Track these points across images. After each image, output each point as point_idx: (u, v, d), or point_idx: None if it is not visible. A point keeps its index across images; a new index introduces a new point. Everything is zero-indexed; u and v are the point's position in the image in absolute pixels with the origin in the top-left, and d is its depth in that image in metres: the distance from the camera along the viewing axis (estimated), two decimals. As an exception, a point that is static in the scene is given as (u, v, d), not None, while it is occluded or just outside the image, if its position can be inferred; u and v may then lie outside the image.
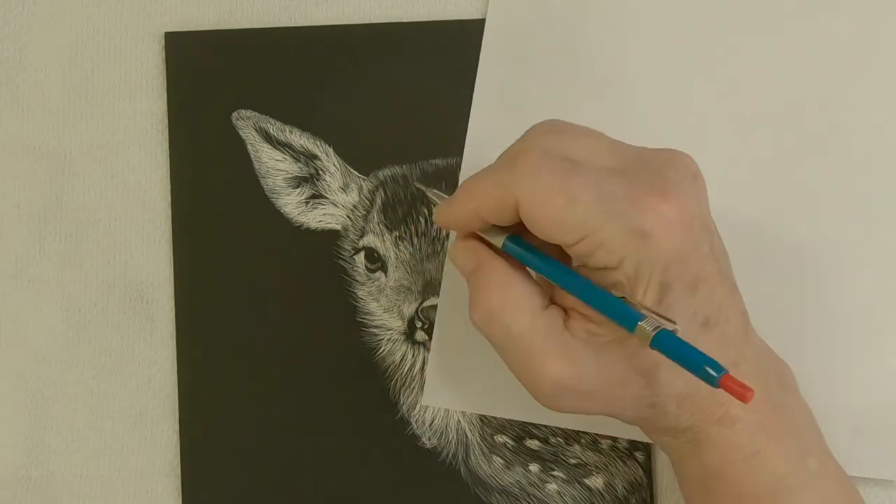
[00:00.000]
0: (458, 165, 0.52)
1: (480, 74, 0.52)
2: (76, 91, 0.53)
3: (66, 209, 0.52)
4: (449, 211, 0.43)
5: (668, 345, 0.37)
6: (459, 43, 0.52)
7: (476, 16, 0.53)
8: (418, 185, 0.51)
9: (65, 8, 0.53)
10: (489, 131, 0.52)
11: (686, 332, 0.39)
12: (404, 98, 0.52)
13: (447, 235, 0.51)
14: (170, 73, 0.52)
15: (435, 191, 0.48)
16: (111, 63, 0.53)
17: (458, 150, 0.52)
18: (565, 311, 0.42)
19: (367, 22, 0.53)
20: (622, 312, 0.39)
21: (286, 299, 0.51)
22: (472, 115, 0.52)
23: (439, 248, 0.51)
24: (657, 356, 0.39)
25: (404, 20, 0.53)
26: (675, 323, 0.38)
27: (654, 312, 0.38)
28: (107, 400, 0.51)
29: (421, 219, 0.51)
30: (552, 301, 0.42)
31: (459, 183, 0.51)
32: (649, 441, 0.48)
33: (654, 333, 0.37)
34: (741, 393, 0.35)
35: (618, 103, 0.52)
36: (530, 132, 0.42)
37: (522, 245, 0.42)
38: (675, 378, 0.40)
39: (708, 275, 0.40)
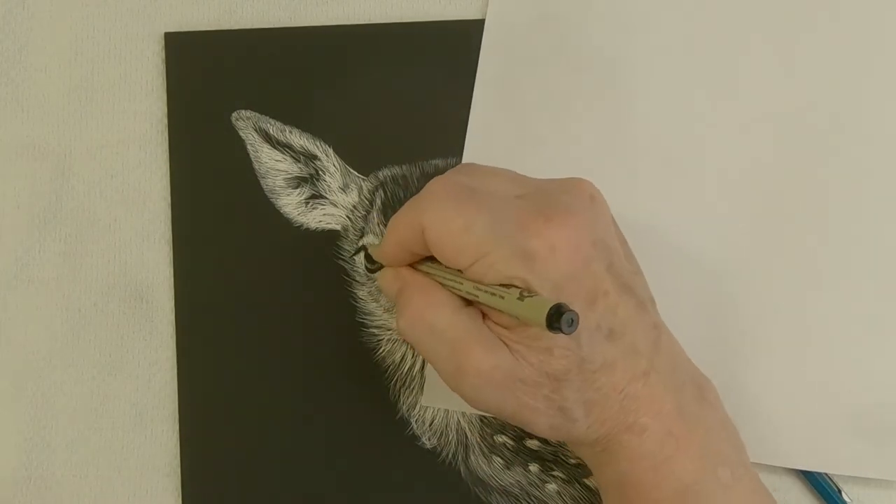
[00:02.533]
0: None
1: (480, 75, 0.52)
2: (76, 91, 0.53)
3: (66, 209, 0.52)
4: (380, 247, 0.46)
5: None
6: (459, 43, 0.52)
7: (476, 16, 0.53)
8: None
9: (65, 8, 0.54)
10: (489, 131, 0.52)
11: (591, 341, 0.41)
12: (404, 98, 0.52)
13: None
14: (169, 74, 0.53)
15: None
16: (111, 63, 0.53)
17: (458, 151, 0.52)
18: (482, 312, 0.43)
19: (366, 22, 0.53)
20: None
21: (286, 299, 0.51)
22: (472, 115, 0.52)
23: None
24: (564, 363, 0.41)
25: (404, 20, 0.53)
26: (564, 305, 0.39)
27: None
28: (107, 400, 0.51)
29: (421, 219, 0.51)
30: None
31: None
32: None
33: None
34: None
35: (617, 103, 0.52)
36: (444, 173, 0.45)
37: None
38: (583, 384, 0.42)
39: (606, 290, 0.42)
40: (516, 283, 0.40)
